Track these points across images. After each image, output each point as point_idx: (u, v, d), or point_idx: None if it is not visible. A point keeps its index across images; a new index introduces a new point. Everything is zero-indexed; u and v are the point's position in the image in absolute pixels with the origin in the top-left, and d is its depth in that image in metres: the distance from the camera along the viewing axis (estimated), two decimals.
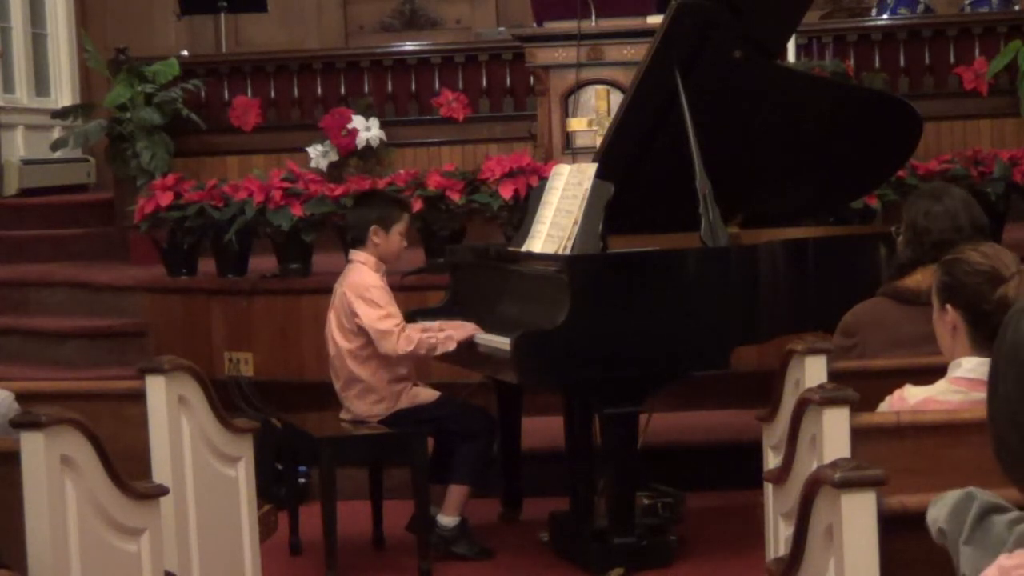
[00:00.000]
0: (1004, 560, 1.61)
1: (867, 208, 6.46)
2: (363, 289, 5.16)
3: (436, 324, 5.19)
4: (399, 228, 5.30)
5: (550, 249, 5.02)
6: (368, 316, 5.12)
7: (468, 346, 5.10)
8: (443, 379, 5.84)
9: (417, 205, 6.35)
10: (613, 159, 5.20)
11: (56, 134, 8.75)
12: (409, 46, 8.93)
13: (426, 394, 5.31)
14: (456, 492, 5.25)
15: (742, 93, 5.29)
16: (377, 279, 5.22)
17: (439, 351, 5.12)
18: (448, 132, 8.26)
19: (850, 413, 3.12)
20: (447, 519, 5.25)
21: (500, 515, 5.71)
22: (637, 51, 6.21)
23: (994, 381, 1.71)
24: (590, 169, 5.06)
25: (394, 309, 5.17)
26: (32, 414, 3.17)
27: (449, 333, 5.09)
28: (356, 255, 5.31)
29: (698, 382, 5.71)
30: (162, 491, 3.59)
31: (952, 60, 8.08)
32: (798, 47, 7.81)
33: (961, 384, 3.04)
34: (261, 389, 6.53)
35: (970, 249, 3.14)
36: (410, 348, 5.09)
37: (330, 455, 5.11)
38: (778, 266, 5.09)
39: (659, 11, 6.32)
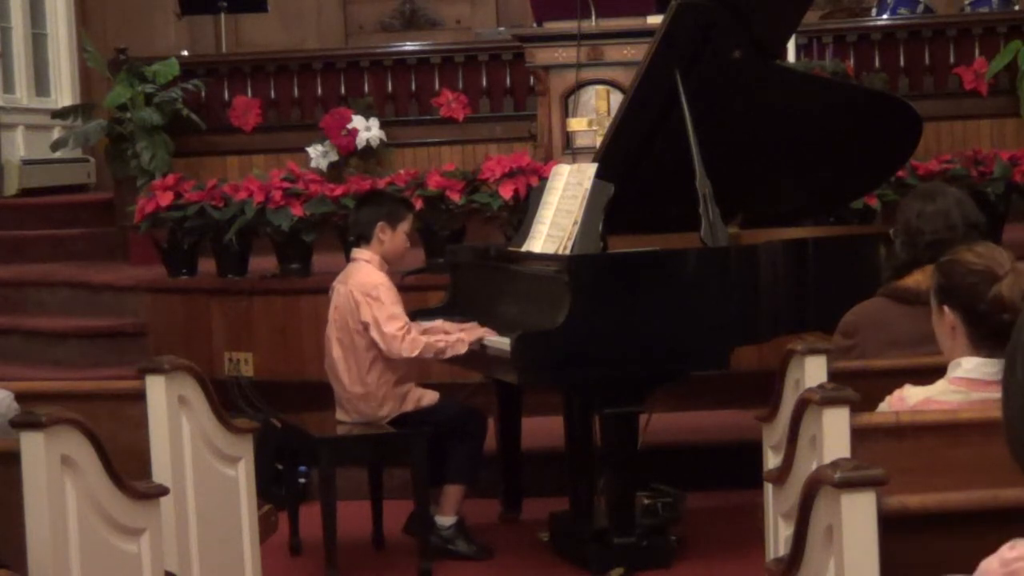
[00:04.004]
0: (1006, 552, 1.60)
1: (867, 208, 6.46)
2: (370, 287, 5.13)
3: (438, 322, 5.18)
4: (404, 227, 5.29)
5: (550, 249, 5.02)
6: (374, 316, 5.10)
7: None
8: (443, 379, 5.84)
9: (417, 205, 6.34)
10: (613, 159, 5.20)
11: (56, 134, 8.76)
12: (409, 46, 8.93)
13: (429, 397, 5.30)
14: (452, 492, 5.25)
15: (742, 93, 5.28)
16: (384, 277, 5.19)
17: (448, 354, 5.07)
18: (448, 132, 8.26)
19: (850, 413, 3.12)
20: (444, 519, 5.25)
21: (500, 515, 5.71)
22: (637, 51, 6.21)
23: (1010, 371, 1.65)
24: (590, 169, 5.06)
25: (398, 310, 5.13)
26: (32, 414, 3.16)
27: (460, 336, 5.03)
28: (360, 253, 5.27)
29: (698, 382, 5.71)
30: (162, 491, 3.59)
31: (952, 60, 8.09)
32: (798, 47, 7.82)
33: (961, 384, 3.04)
34: (261, 389, 6.52)
35: (965, 250, 3.13)
36: (415, 353, 5.06)
37: (329, 455, 5.11)
38: (778, 266, 5.09)
39: (659, 11, 6.31)
